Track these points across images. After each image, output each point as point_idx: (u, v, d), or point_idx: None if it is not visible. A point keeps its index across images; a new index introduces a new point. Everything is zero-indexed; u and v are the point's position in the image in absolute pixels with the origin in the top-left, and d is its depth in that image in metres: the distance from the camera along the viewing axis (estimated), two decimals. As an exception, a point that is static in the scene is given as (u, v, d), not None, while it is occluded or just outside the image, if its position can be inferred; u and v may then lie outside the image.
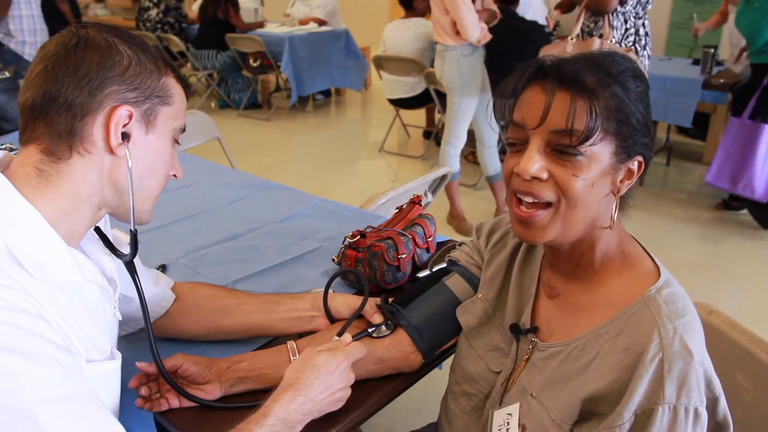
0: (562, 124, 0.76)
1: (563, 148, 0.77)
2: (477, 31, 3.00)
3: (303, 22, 5.88)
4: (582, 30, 2.99)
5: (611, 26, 2.86)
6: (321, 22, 5.82)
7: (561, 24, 4.97)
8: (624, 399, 0.75)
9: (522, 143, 0.81)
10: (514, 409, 0.88)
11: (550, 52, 2.87)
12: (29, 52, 3.37)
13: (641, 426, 0.74)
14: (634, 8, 2.85)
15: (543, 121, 0.78)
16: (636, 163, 0.82)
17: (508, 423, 0.88)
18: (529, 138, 0.80)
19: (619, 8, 2.85)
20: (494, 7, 3.17)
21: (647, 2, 2.87)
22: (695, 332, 0.77)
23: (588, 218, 0.81)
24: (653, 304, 0.79)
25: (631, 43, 2.86)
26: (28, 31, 3.40)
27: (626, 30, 2.86)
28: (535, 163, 0.78)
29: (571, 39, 2.89)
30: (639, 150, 0.81)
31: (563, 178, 0.78)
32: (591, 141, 0.76)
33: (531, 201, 0.81)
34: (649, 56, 2.98)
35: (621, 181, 0.82)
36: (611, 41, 2.83)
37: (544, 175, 0.79)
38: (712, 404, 0.79)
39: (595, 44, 2.76)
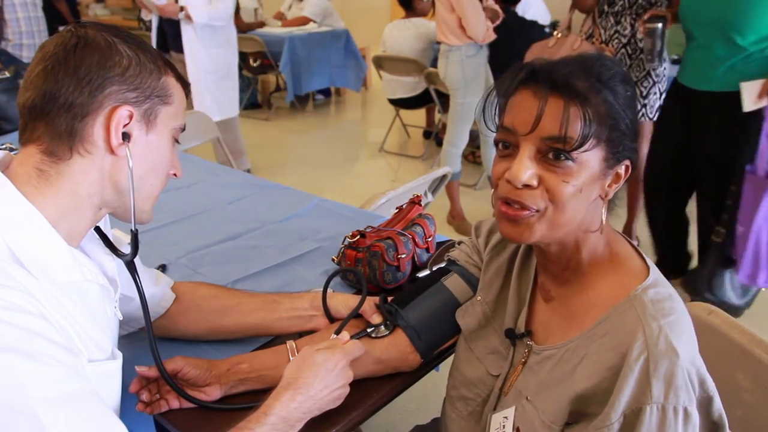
0: (555, 130, 0.76)
1: (557, 152, 0.76)
2: (483, 28, 3.01)
3: (288, 24, 5.87)
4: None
5: (595, 25, 2.84)
6: (306, 21, 5.79)
7: (560, 24, 4.97)
8: (611, 399, 0.74)
9: (512, 146, 0.80)
10: (509, 412, 0.88)
11: (535, 49, 2.86)
12: (27, 55, 3.34)
13: (630, 426, 0.74)
14: (631, 8, 2.80)
15: (535, 127, 0.77)
16: (623, 167, 0.82)
17: (503, 426, 0.88)
18: (519, 143, 0.79)
19: (606, 8, 2.83)
20: (496, 7, 3.17)
21: (649, 3, 2.80)
22: (682, 331, 0.77)
23: (575, 222, 0.81)
24: (639, 303, 0.78)
25: (621, 46, 2.83)
26: (26, 34, 3.37)
27: (616, 32, 2.83)
28: (527, 170, 0.77)
29: (557, 34, 2.89)
30: (627, 154, 0.81)
31: (553, 184, 0.77)
32: (584, 147, 0.76)
33: (518, 207, 0.80)
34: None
35: (609, 186, 0.82)
36: (596, 41, 2.82)
37: (535, 182, 0.78)
38: (706, 403, 0.79)
39: (570, 40, 2.75)
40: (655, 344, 0.74)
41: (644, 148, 2.74)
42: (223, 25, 3.68)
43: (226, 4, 3.61)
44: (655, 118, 2.93)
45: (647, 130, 2.89)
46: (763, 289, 2.82)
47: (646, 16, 2.51)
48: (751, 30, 2.08)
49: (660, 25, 2.45)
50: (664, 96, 2.89)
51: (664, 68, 2.89)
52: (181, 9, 3.50)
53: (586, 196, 0.79)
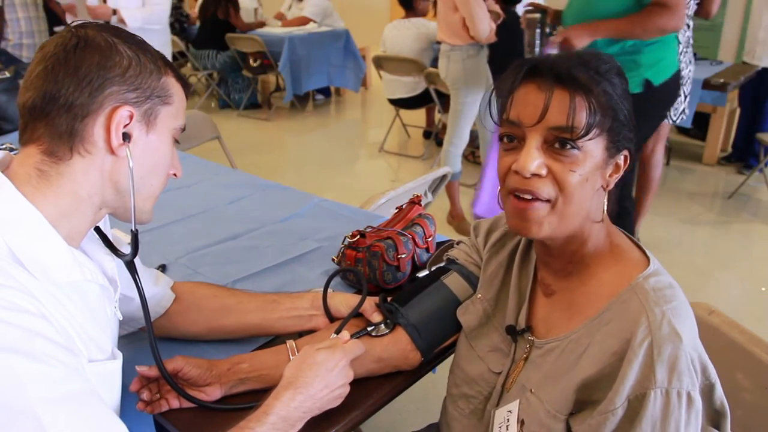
0: (562, 120, 0.78)
1: (563, 141, 0.79)
2: (487, 27, 3.01)
3: (287, 24, 5.90)
4: None
5: None
6: (305, 21, 5.81)
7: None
8: (616, 384, 0.75)
9: (519, 140, 0.82)
10: (513, 406, 0.89)
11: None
12: (27, 55, 3.33)
13: (635, 411, 0.75)
14: None
15: (542, 118, 0.79)
16: (622, 157, 0.85)
17: (507, 420, 0.89)
18: (525, 135, 0.81)
19: None
20: (497, 8, 3.18)
21: None
22: (684, 317, 0.78)
23: (582, 213, 0.83)
24: (641, 291, 0.80)
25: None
26: (27, 34, 3.35)
27: None
28: (534, 159, 0.79)
29: None
30: (626, 144, 0.84)
31: (561, 172, 0.79)
32: (590, 135, 0.78)
33: (529, 198, 0.82)
34: (682, 62, 2.73)
35: (610, 176, 0.84)
36: None
37: (543, 172, 0.80)
38: (708, 390, 0.80)
39: None
40: (659, 328, 0.75)
41: (661, 149, 2.73)
42: (159, 28, 3.41)
43: (162, 7, 3.40)
44: (678, 121, 2.93)
45: (665, 130, 2.89)
46: (763, 289, 2.83)
47: (526, 7, 2.44)
48: (600, 16, 2.09)
49: (539, 15, 2.41)
50: (688, 98, 2.90)
51: (690, 70, 2.85)
52: (114, 12, 3.25)
53: (591, 186, 0.82)
